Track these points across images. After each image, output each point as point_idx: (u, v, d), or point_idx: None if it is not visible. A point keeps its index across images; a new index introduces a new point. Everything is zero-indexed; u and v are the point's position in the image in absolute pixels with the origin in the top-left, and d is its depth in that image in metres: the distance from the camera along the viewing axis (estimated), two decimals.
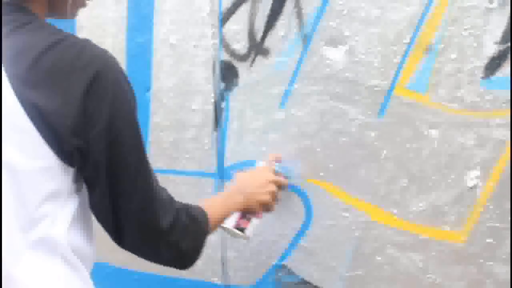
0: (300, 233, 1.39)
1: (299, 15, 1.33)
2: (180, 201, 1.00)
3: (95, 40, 0.88)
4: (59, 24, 0.91)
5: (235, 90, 1.44)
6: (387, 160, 1.28)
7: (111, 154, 0.86)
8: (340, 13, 1.29)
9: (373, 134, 1.29)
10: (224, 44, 1.43)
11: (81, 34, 1.59)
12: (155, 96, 1.54)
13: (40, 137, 0.82)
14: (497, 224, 1.19)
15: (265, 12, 1.37)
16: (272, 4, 1.36)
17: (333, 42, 1.30)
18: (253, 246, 1.45)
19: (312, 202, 1.37)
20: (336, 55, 1.30)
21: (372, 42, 1.26)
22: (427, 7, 1.21)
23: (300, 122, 1.36)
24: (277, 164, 1.33)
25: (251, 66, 1.41)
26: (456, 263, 1.24)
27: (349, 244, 1.34)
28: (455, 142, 1.21)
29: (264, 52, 1.39)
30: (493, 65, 1.16)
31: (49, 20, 0.94)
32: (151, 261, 1.00)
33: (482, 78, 1.17)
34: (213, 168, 1.49)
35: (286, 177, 1.33)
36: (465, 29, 1.18)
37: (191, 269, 1.03)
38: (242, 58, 1.42)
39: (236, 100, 1.44)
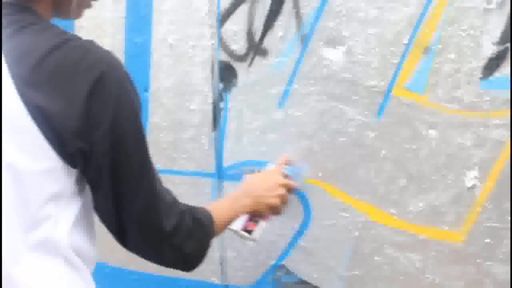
0: (299, 233, 1.39)
1: (298, 15, 1.33)
2: (185, 203, 0.99)
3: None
4: (58, 23, 0.91)
5: (234, 90, 1.44)
6: (386, 160, 1.28)
7: (115, 156, 0.86)
8: (338, 14, 1.29)
9: (371, 134, 1.29)
10: (222, 44, 1.43)
11: (80, 34, 1.56)
12: (154, 96, 1.53)
13: (43, 138, 0.81)
14: (496, 224, 1.19)
15: (263, 13, 1.37)
16: (271, 4, 1.36)
17: (332, 42, 1.30)
18: (252, 246, 1.45)
19: (311, 202, 1.37)
20: (334, 55, 1.30)
21: (371, 42, 1.26)
22: (426, 7, 1.21)
23: (299, 122, 1.36)
24: (288, 167, 1.32)
25: (249, 66, 1.41)
26: (455, 263, 1.24)
27: (348, 244, 1.34)
28: (453, 142, 1.21)
29: (263, 53, 1.39)
30: (491, 66, 1.16)
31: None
32: (154, 263, 0.99)
33: (481, 78, 1.17)
34: (211, 168, 1.49)
35: (296, 180, 1.32)
36: (464, 30, 1.18)
37: None
38: (241, 58, 1.42)
39: (234, 100, 1.44)
